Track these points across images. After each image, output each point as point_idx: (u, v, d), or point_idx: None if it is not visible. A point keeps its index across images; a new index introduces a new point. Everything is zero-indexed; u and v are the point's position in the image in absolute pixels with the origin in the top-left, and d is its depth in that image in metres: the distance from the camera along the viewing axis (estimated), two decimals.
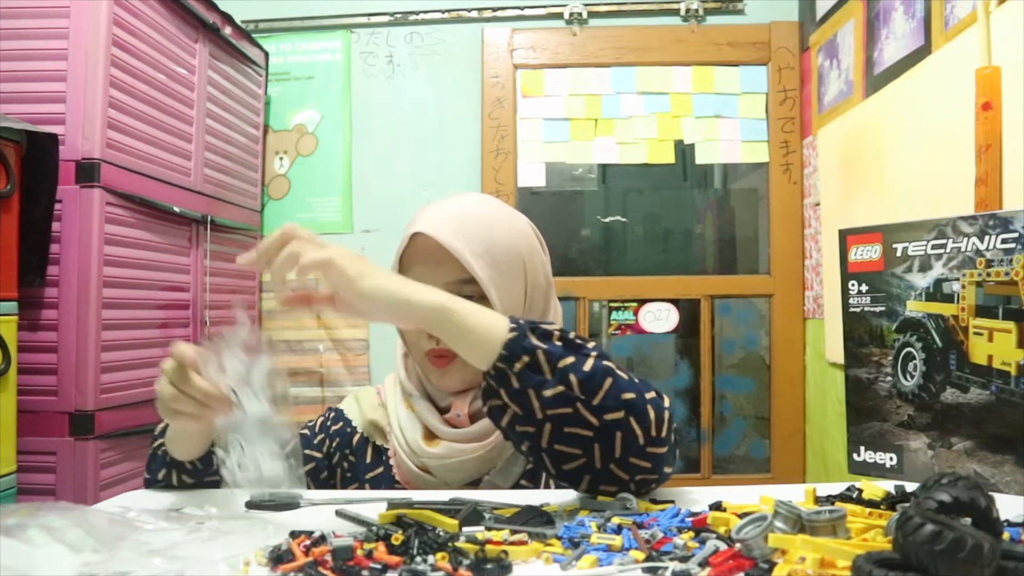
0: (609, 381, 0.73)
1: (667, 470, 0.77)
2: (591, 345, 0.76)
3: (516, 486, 0.91)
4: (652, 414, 0.73)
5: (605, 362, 0.74)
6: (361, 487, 0.96)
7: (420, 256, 0.90)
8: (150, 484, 0.90)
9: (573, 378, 0.72)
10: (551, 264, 0.99)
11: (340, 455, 1.00)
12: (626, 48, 2.55)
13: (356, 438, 1.00)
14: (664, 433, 0.75)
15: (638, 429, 0.73)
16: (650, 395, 0.75)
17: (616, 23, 2.58)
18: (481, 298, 0.88)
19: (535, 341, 0.73)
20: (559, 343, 0.74)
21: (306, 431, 1.02)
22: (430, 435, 0.92)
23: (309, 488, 0.95)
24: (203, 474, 0.87)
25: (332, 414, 1.03)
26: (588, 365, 0.73)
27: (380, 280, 0.74)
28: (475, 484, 0.91)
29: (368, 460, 0.98)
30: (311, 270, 0.72)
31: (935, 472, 0.65)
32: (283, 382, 0.75)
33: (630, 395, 0.73)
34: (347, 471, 0.99)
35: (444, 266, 0.88)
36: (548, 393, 0.72)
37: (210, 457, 0.85)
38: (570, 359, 0.73)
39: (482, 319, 0.75)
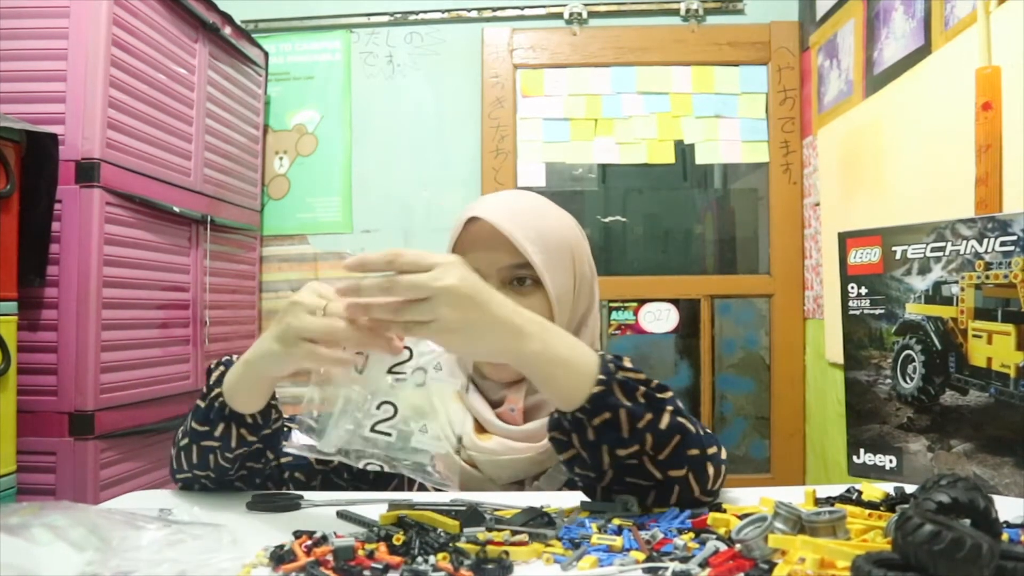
0: (678, 439, 0.73)
1: None
2: (669, 396, 0.75)
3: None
4: (711, 471, 0.75)
5: (679, 418, 0.74)
6: (401, 477, 0.94)
7: (475, 242, 0.91)
8: (201, 438, 0.81)
9: (648, 436, 0.72)
10: None
11: None
12: (626, 48, 2.55)
13: None
14: (717, 487, 0.76)
15: (695, 485, 0.74)
16: (712, 450, 0.75)
17: (616, 23, 2.58)
18: (535, 282, 0.90)
19: (620, 398, 0.71)
20: (643, 400, 0.73)
21: None
22: (481, 428, 0.91)
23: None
24: (262, 429, 0.81)
25: None
26: (664, 422, 0.72)
27: (484, 337, 0.69)
28: (519, 484, 0.90)
29: None
30: (413, 335, 0.70)
31: (934, 474, 0.65)
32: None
33: (694, 451, 0.74)
34: None
35: (498, 251, 0.89)
36: (621, 452, 0.72)
37: (269, 411, 0.81)
38: (649, 417, 0.72)
39: (573, 358, 0.72)
